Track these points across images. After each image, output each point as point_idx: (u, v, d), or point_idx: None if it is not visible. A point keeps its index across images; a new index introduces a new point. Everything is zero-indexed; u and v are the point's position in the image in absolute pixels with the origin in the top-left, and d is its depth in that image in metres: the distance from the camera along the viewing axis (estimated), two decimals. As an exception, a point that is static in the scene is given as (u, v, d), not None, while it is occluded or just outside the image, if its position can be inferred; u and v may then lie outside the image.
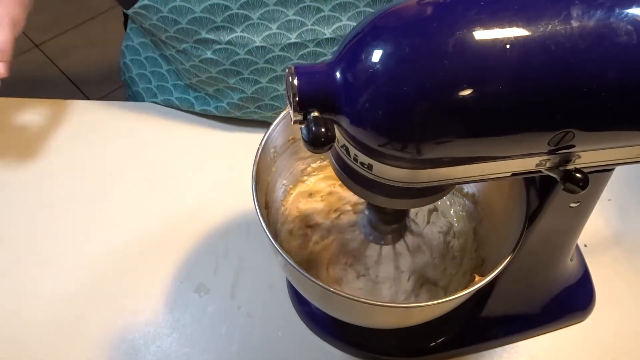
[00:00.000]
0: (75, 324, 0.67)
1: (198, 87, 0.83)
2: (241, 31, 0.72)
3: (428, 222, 0.66)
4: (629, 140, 0.42)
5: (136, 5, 0.73)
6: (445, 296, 0.50)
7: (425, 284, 0.62)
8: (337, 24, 0.74)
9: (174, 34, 0.74)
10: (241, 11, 0.71)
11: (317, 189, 0.67)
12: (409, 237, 0.62)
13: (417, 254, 0.63)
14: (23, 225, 0.74)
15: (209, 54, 0.75)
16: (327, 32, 0.74)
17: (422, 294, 0.62)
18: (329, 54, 0.76)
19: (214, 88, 0.81)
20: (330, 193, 0.67)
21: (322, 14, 0.73)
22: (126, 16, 1.03)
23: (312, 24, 0.73)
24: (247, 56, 0.74)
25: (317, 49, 0.75)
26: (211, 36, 0.73)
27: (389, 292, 0.62)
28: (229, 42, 0.73)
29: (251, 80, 0.78)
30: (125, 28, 0.97)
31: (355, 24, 0.74)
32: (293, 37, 0.73)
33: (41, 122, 0.85)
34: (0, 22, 0.73)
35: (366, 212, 0.56)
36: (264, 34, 0.73)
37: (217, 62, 0.76)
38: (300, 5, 0.72)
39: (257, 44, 0.73)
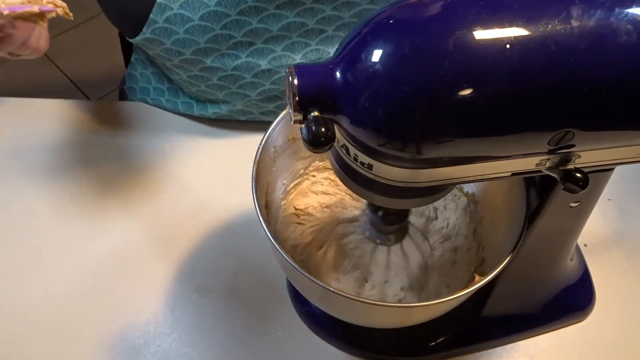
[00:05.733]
0: (75, 324, 0.67)
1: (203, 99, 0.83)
2: (246, 57, 0.72)
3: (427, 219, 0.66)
4: (629, 140, 0.42)
5: (138, 38, 0.71)
6: (445, 296, 0.50)
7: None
8: None
9: (179, 63, 0.73)
10: (245, 39, 0.70)
11: (317, 187, 0.67)
12: (412, 236, 0.62)
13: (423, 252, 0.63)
14: (23, 225, 0.74)
15: (214, 80, 0.75)
16: (332, 51, 0.73)
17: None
18: None
19: (221, 105, 0.81)
20: (330, 193, 0.67)
21: (326, 34, 0.73)
22: (124, 45, 1.03)
23: (316, 44, 0.73)
24: (253, 79, 0.74)
25: None
26: (216, 64, 0.72)
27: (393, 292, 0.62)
28: (234, 69, 0.73)
29: (258, 100, 0.78)
30: (126, 59, 0.96)
31: None
32: (298, 58, 0.73)
33: (41, 122, 0.85)
34: None
35: (367, 213, 0.56)
36: (269, 57, 0.73)
37: (224, 87, 0.76)
38: (304, 29, 0.71)
39: (263, 67, 0.73)
